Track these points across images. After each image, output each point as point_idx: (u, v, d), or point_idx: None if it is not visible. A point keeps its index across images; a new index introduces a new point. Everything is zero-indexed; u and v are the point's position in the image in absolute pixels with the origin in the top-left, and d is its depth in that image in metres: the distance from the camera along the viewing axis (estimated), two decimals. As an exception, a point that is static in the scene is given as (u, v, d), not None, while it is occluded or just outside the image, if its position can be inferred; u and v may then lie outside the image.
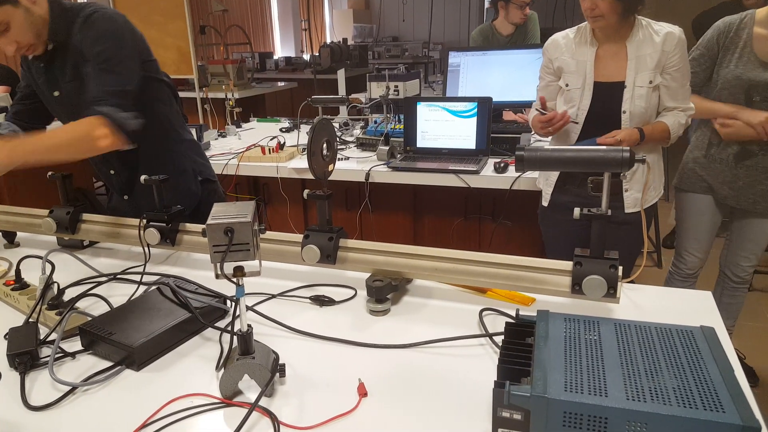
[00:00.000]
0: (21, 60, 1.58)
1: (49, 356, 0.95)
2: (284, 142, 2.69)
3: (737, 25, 1.94)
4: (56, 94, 1.51)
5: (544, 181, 1.95)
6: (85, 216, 1.48)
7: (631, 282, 1.20)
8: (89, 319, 1.06)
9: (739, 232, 2.09)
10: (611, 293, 1.01)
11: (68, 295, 1.16)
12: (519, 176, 2.17)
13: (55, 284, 1.14)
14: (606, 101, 1.74)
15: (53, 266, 1.15)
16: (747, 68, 1.90)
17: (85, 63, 1.43)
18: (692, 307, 1.12)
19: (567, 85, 1.80)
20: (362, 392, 0.87)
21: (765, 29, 1.89)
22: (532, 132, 2.58)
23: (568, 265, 1.07)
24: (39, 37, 1.41)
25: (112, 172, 1.66)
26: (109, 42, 1.43)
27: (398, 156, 2.51)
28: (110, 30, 1.44)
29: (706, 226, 2.12)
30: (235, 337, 0.87)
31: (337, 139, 2.88)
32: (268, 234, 1.30)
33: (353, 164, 2.49)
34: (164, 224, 1.35)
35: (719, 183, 2.03)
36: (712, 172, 2.03)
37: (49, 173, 1.46)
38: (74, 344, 1.02)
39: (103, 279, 1.30)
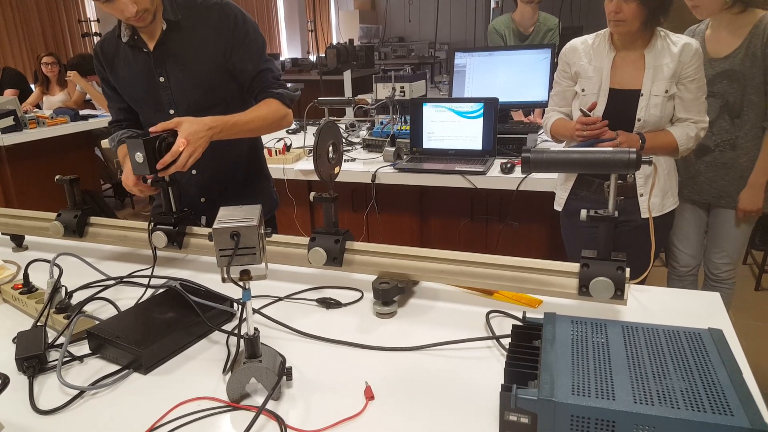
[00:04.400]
0: (100, 67, 1.57)
1: (57, 360, 0.95)
2: (291, 144, 2.70)
3: (694, 31, 2.04)
4: (162, 79, 1.51)
5: (560, 185, 1.94)
6: (93, 219, 1.49)
7: (641, 283, 1.20)
8: (97, 322, 1.06)
9: (712, 227, 2.12)
10: (618, 295, 1.01)
11: (76, 298, 1.17)
12: (526, 177, 2.16)
13: (63, 288, 1.15)
14: (620, 108, 1.74)
15: (61, 270, 1.16)
16: None
17: (233, 52, 1.49)
18: (700, 309, 1.11)
19: (583, 90, 1.80)
20: (369, 395, 0.87)
21: (713, 30, 1.98)
22: (539, 132, 2.58)
23: (575, 266, 1.06)
24: (152, 4, 1.42)
25: (194, 171, 1.60)
26: (255, 34, 1.54)
27: (404, 157, 2.52)
28: (251, 24, 1.54)
29: (691, 222, 2.14)
30: (242, 341, 0.88)
31: (344, 140, 2.88)
32: (275, 237, 1.30)
33: (359, 165, 2.49)
34: (171, 227, 1.36)
35: (684, 179, 2.06)
36: (678, 169, 2.06)
37: (57, 177, 1.47)
38: (82, 348, 1.03)
39: (111, 282, 1.31)
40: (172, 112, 1.53)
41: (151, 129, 1.28)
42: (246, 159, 1.69)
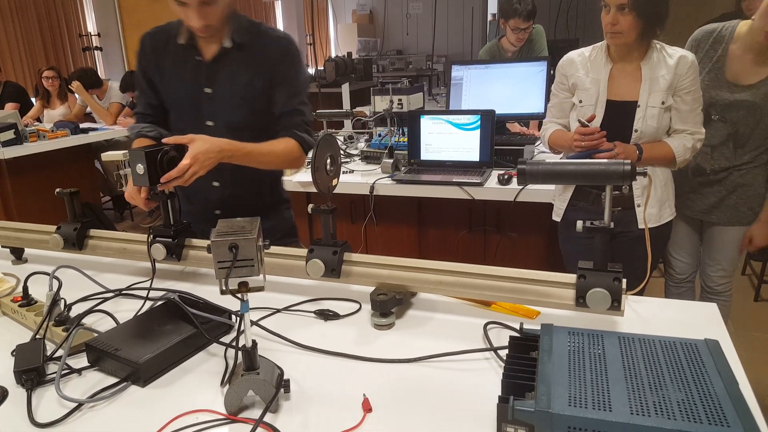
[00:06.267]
0: (143, 58, 1.57)
1: (55, 373, 0.95)
2: (289, 156, 2.71)
3: (715, 36, 1.91)
4: (208, 90, 1.52)
5: (558, 196, 1.95)
6: (92, 232, 1.50)
7: (639, 293, 1.20)
8: (95, 335, 1.07)
9: (707, 241, 2.13)
10: (615, 306, 1.01)
11: (75, 311, 1.17)
12: (523, 188, 2.17)
13: (62, 300, 1.15)
14: (617, 119, 1.76)
15: (60, 282, 1.16)
16: (711, 85, 1.90)
17: (276, 84, 1.51)
18: (697, 320, 1.11)
19: (580, 102, 1.82)
20: (367, 407, 0.87)
21: (740, 48, 1.86)
22: (536, 144, 2.59)
23: (572, 278, 1.07)
24: (221, 23, 1.43)
25: (216, 184, 1.59)
26: (302, 76, 1.58)
27: (402, 169, 2.53)
28: (303, 66, 1.58)
29: (684, 230, 2.15)
30: (239, 353, 0.88)
31: (342, 152, 2.89)
32: (273, 248, 1.30)
33: (358, 177, 2.50)
34: (170, 239, 1.36)
35: (678, 193, 2.05)
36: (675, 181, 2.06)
37: (57, 190, 1.48)
38: (80, 360, 1.03)
39: (110, 295, 1.31)
40: (210, 123, 1.54)
41: (164, 140, 1.30)
42: (269, 183, 1.69)
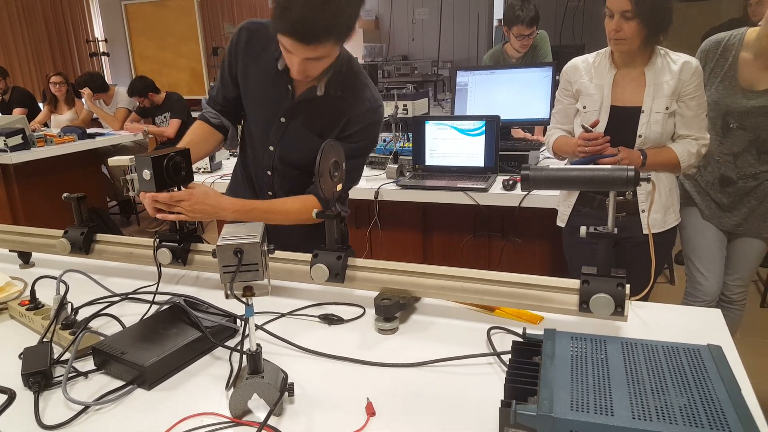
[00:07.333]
0: (234, 50, 1.48)
1: (62, 376, 0.96)
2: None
3: (724, 45, 1.91)
4: (282, 120, 1.47)
5: (562, 201, 1.95)
6: (99, 236, 1.51)
7: (643, 299, 1.20)
8: (102, 338, 1.07)
9: (731, 252, 2.09)
10: (619, 311, 1.01)
11: (82, 314, 1.18)
12: (527, 193, 2.18)
13: (69, 304, 1.16)
14: (621, 125, 1.76)
15: (67, 286, 1.18)
16: (726, 93, 1.89)
17: (342, 138, 1.42)
18: (700, 325, 1.11)
19: (584, 108, 1.82)
20: (370, 411, 0.88)
21: (750, 54, 1.86)
22: (540, 149, 2.60)
23: (575, 283, 1.07)
24: (319, 73, 1.36)
25: (269, 173, 1.55)
26: (368, 145, 1.50)
27: (407, 174, 2.54)
28: (374, 136, 1.50)
29: (715, 244, 2.08)
30: (244, 357, 0.89)
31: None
32: (278, 253, 1.31)
33: (363, 182, 2.50)
34: (176, 244, 1.38)
35: (706, 203, 2.04)
36: (700, 192, 2.06)
37: (65, 195, 1.49)
38: (87, 364, 1.04)
39: (116, 299, 1.32)
40: (271, 149, 1.51)
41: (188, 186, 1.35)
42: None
